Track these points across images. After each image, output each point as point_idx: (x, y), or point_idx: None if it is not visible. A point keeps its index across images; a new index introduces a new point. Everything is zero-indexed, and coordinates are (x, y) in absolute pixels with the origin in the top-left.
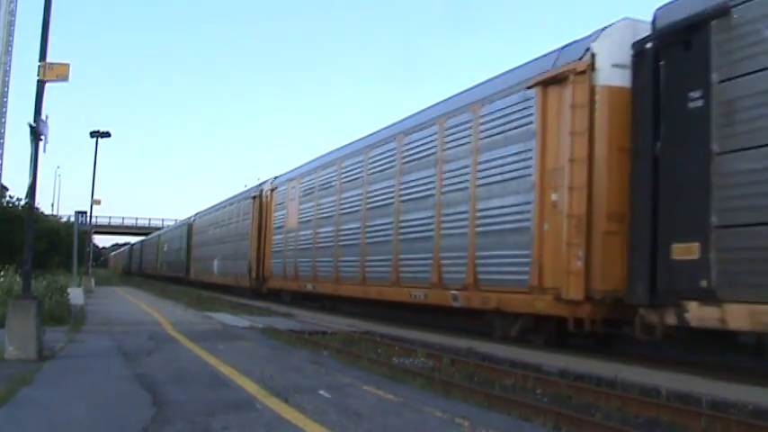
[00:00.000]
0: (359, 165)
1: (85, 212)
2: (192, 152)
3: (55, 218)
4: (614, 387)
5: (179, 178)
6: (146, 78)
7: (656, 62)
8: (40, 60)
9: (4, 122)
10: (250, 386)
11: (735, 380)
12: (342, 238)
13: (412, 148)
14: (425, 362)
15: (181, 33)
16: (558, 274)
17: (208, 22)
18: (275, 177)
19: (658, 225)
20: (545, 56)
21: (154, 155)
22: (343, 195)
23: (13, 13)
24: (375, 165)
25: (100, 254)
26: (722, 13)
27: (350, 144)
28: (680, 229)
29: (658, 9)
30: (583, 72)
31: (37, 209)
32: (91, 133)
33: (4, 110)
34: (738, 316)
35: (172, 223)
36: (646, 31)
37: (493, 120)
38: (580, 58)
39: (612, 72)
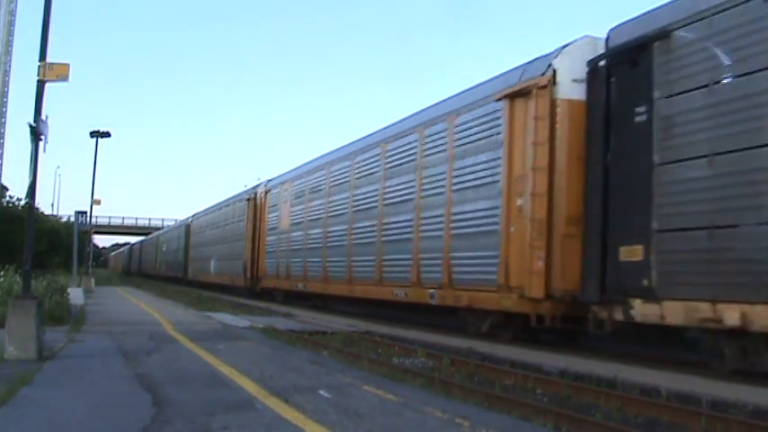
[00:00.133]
0: (346, 169)
1: (85, 212)
2: (192, 152)
3: (55, 218)
4: (614, 387)
5: (179, 178)
6: (146, 78)
7: (608, 79)
8: (40, 60)
9: (4, 122)
10: (250, 386)
11: (735, 380)
12: (330, 239)
13: (394, 155)
14: (425, 362)
15: (181, 33)
16: (522, 274)
17: (208, 23)
18: (269, 180)
19: (608, 229)
20: (513, 70)
21: (154, 155)
22: (332, 198)
23: (13, 13)
24: (361, 170)
25: (100, 254)
26: (663, 35)
27: (338, 149)
28: (626, 233)
29: (611, 29)
30: (545, 86)
31: (37, 209)
32: (91, 133)
33: (4, 110)
34: (675, 312)
35: (172, 223)
36: (603, 48)
37: (466, 129)
38: (543, 74)
39: (572, 87)
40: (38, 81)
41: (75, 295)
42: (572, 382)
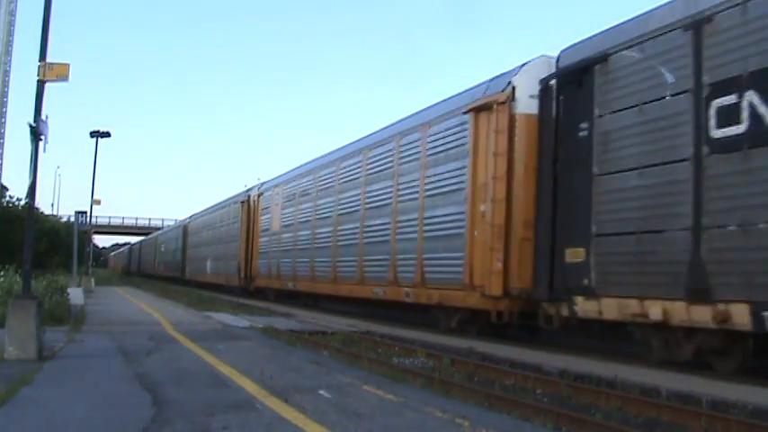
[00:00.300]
0: (332, 174)
1: (85, 212)
2: (192, 152)
3: (55, 218)
4: (614, 387)
5: (179, 178)
6: (146, 78)
7: (558, 96)
8: (40, 60)
9: (4, 122)
10: (250, 386)
11: (735, 380)
12: (317, 240)
13: (374, 162)
14: (425, 362)
15: (181, 33)
16: (484, 274)
17: (208, 23)
18: (262, 183)
19: (556, 233)
20: (479, 85)
21: (154, 155)
22: (319, 202)
23: (13, 13)
24: (345, 175)
25: (100, 254)
26: (603, 59)
27: (325, 155)
28: (571, 236)
29: (562, 51)
30: (504, 102)
31: (37, 209)
32: (91, 133)
33: (4, 110)
34: (610, 308)
35: (172, 223)
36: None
37: (437, 139)
38: (503, 90)
39: (529, 102)
40: (38, 81)
41: (75, 295)
42: (572, 382)
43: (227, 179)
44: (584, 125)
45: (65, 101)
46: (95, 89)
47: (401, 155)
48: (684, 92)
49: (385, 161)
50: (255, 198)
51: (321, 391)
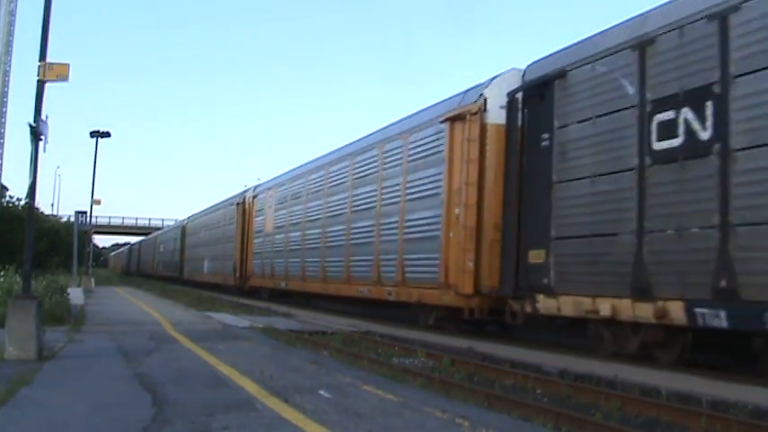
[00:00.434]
0: (321, 179)
1: (85, 212)
2: (193, 151)
3: (55, 218)
4: (614, 387)
5: (179, 178)
6: (146, 78)
7: (523, 108)
8: (40, 60)
9: (4, 122)
10: (250, 386)
11: (735, 380)
12: (308, 242)
13: (360, 167)
14: (425, 362)
15: (181, 33)
16: (458, 274)
17: (208, 22)
18: (256, 186)
19: (521, 236)
20: (455, 96)
21: (154, 155)
22: (309, 205)
23: (13, 13)
24: (333, 179)
25: (100, 254)
26: (561, 75)
27: (315, 160)
28: (534, 239)
29: (528, 66)
30: (476, 113)
31: (37, 209)
32: (91, 133)
33: (4, 110)
34: (567, 305)
35: (172, 223)
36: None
37: (417, 146)
38: (475, 101)
39: (500, 113)
40: (38, 81)
41: (75, 295)
42: (572, 382)
43: (227, 179)
44: (545, 135)
45: (65, 101)
46: (95, 89)
47: (384, 161)
48: (631, 107)
49: (370, 166)
50: (250, 200)
51: (321, 391)
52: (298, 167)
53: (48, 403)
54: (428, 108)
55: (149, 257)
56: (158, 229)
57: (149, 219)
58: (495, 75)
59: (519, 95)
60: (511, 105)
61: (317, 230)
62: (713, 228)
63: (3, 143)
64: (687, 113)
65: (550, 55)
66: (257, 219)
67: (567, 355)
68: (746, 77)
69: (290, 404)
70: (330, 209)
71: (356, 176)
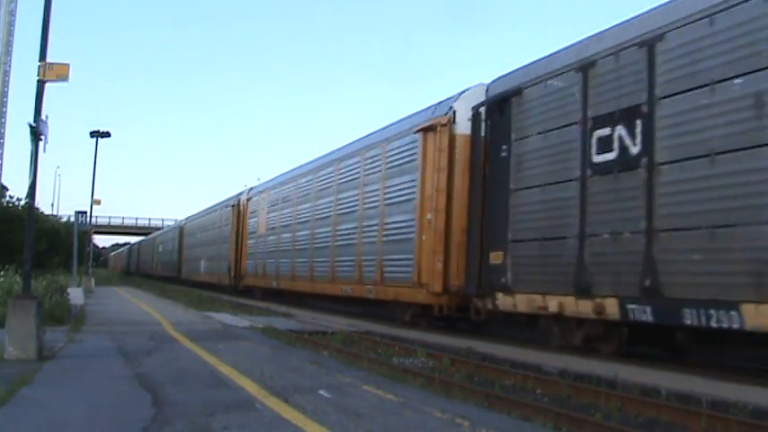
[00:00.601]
0: (309, 183)
1: (85, 212)
2: (193, 151)
3: (55, 218)
4: (614, 387)
5: (179, 178)
6: (146, 78)
7: (486, 121)
8: (40, 60)
9: (4, 122)
10: (250, 386)
11: (735, 380)
12: (297, 243)
13: (344, 173)
14: (425, 362)
15: (181, 33)
16: (429, 273)
17: (209, 22)
18: (250, 189)
19: (484, 239)
20: (428, 108)
21: (154, 155)
22: (298, 208)
23: (13, 13)
24: (320, 184)
25: (100, 254)
26: (518, 92)
27: (304, 164)
28: (494, 242)
29: (491, 82)
30: (446, 124)
31: (37, 209)
32: (91, 133)
33: (4, 110)
34: (522, 303)
35: (172, 223)
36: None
37: (394, 155)
38: (445, 114)
39: (467, 125)
40: (38, 81)
41: (75, 295)
42: (572, 382)
43: (227, 178)
44: (504, 147)
45: (65, 101)
46: (95, 89)
47: (366, 167)
48: (575, 123)
49: (353, 172)
50: (244, 202)
51: (321, 391)
52: (288, 171)
53: (48, 403)
54: (405, 118)
55: (148, 257)
56: (158, 229)
57: (149, 219)
58: (463, 89)
59: (482, 109)
60: (475, 118)
61: (306, 232)
62: (641, 233)
63: (3, 143)
64: (621, 130)
65: (510, 73)
66: (251, 220)
67: (566, 355)
68: (669, 99)
69: (290, 404)
70: (317, 212)
71: (341, 181)
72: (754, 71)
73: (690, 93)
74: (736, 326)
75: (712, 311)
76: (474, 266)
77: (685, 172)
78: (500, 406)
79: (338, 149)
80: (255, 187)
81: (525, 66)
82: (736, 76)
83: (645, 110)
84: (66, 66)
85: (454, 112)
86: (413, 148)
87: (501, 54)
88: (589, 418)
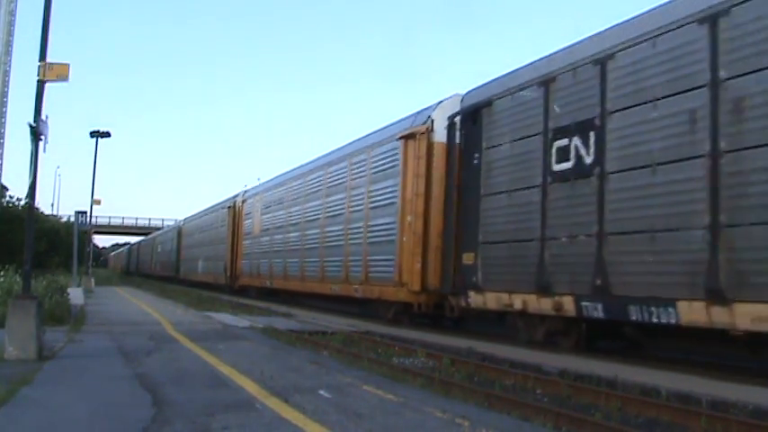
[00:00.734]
0: (300, 186)
1: (85, 212)
2: (193, 150)
3: (55, 218)
4: (614, 387)
5: (179, 177)
6: (146, 78)
7: (460, 130)
8: (40, 60)
9: (4, 122)
10: (250, 386)
11: (735, 380)
12: (289, 244)
13: (332, 177)
14: (425, 362)
15: (181, 33)
16: (409, 273)
17: (208, 22)
18: (245, 191)
19: (458, 241)
20: (408, 117)
21: (153, 154)
22: (290, 210)
23: (13, 13)
24: (310, 187)
25: (100, 254)
26: (488, 104)
27: (296, 168)
28: (467, 243)
29: (465, 94)
30: (424, 133)
31: (37, 209)
32: (91, 133)
33: (4, 110)
34: (491, 300)
35: (172, 223)
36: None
37: (378, 160)
38: (424, 123)
39: (444, 133)
40: (38, 81)
41: (75, 295)
42: (572, 382)
43: (227, 177)
44: (476, 155)
45: (65, 101)
46: (95, 88)
47: (352, 172)
48: (538, 134)
49: (340, 177)
50: (240, 204)
51: (321, 391)
52: (281, 174)
53: (48, 403)
54: (388, 126)
55: (148, 258)
56: (158, 229)
57: (149, 219)
58: (441, 99)
59: (457, 119)
60: (450, 127)
61: (297, 234)
62: (593, 236)
63: (3, 143)
64: (577, 141)
65: (483, 85)
66: (246, 222)
67: (567, 355)
68: (618, 113)
69: (290, 404)
70: (307, 214)
71: (329, 185)
72: (688, 90)
73: (636, 108)
74: (673, 321)
75: (653, 308)
76: (449, 267)
77: (631, 180)
78: (500, 406)
79: (327, 154)
80: (250, 190)
81: (496, 78)
82: (674, 94)
83: (597, 123)
84: (67, 66)
85: (432, 121)
86: (395, 155)
87: (501, 53)
88: (589, 418)
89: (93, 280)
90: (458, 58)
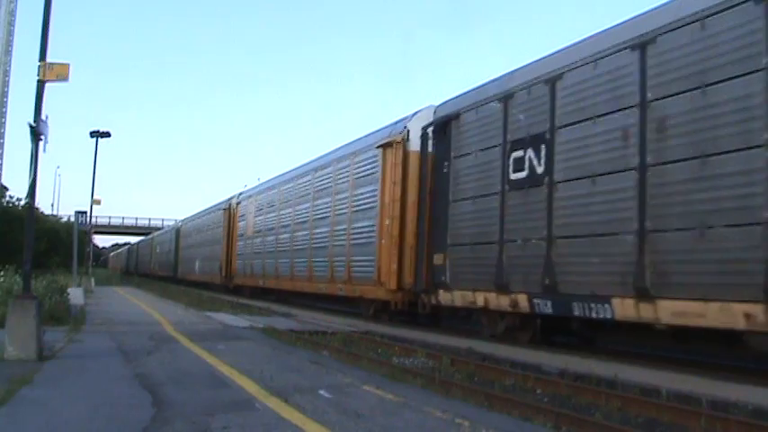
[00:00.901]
0: (291, 190)
1: (85, 212)
2: (193, 151)
3: (55, 218)
4: (614, 387)
5: (179, 177)
6: (146, 77)
7: (432, 140)
8: (40, 60)
9: (4, 122)
10: (250, 386)
11: (735, 380)
12: (280, 245)
13: (319, 181)
14: (425, 362)
15: (182, 32)
16: (387, 273)
17: (209, 22)
18: (240, 193)
19: (429, 243)
20: (387, 126)
21: (153, 154)
22: (281, 212)
23: (13, 13)
24: (300, 191)
25: (100, 254)
26: (456, 116)
27: (287, 172)
28: (437, 245)
29: (438, 105)
30: (400, 142)
31: (37, 209)
32: (91, 133)
33: (4, 110)
34: (458, 298)
35: (171, 223)
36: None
37: (361, 167)
38: (400, 132)
39: (419, 142)
40: (38, 81)
41: (75, 295)
42: (572, 383)
43: (228, 177)
44: (446, 163)
45: (65, 101)
46: (95, 88)
47: (337, 177)
48: (498, 145)
49: (327, 181)
50: (235, 206)
51: (321, 391)
52: (274, 178)
53: (48, 403)
54: (370, 134)
55: (147, 258)
56: (158, 229)
57: (149, 219)
58: (416, 110)
59: (430, 129)
60: (424, 137)
61: (287, 235)
62: (543, 239)
63: (3, 143)
64: (530, 153)
65: (453, 98)
66: (240, 223)
67: (567, 355)
68: (565, 128)
69: (290, 404)
70: (297, 216)
71: (317, 189)
72: (622, 109)
73: (579, 124)
74: (609, 316)
75: (593, 305)
76: (421, 267)
77: (575, 189)
78: (500, 406)
79: (315, 159)
80: (245, 192)
81: (465, 92)
82: (611, 113)
83: (548, 137)
84: (67, 66)
85: (408, 131)
86: (375, 162)
87: (501, 52)
88: (589, 418)
89: (92, 280)
90: (457, 59)
